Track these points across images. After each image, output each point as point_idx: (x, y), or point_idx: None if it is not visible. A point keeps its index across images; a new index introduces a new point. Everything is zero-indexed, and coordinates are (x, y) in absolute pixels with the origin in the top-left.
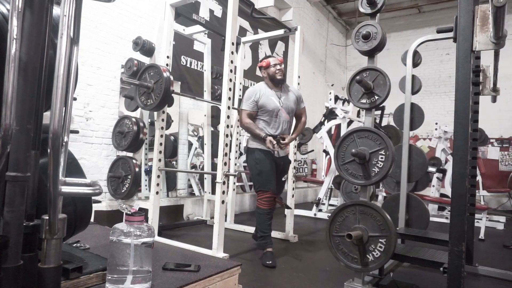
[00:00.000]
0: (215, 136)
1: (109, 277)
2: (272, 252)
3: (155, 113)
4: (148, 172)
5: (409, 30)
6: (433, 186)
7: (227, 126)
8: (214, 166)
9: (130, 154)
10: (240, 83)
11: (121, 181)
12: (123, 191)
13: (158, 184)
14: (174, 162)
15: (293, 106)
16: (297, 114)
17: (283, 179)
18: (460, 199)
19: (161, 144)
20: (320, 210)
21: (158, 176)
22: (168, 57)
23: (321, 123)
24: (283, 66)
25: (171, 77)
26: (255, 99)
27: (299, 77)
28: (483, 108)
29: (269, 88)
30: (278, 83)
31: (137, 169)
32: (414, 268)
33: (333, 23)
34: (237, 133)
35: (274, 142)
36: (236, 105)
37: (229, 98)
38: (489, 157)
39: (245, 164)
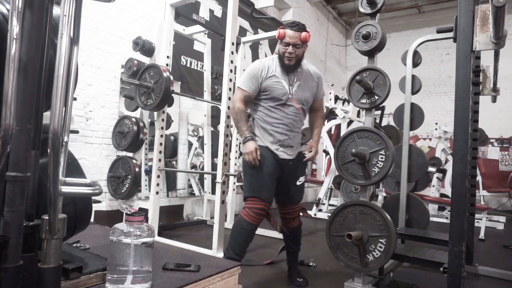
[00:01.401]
0: (215, 136)
1: (109, 277)
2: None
3: (155, 113)
4: (148, 172)
5: (409, 30)
6: (433, 186)
7: (227, 126)
8: (214, 166)
9: (130, 154)
10: None
11: (121, 181)
12: (123, 191)
13: (158, 184)
14: (174, 162)
15: (309, 95)
16: (313, 106)
17: (297, 182)
18: (460, 199)
19: (161, 144)
20: (320, 210)
21: (158, 176)
22: (168, 57)
23: None
24: (300, 49)
25: (171, 77)
26: (259, 78)
27: None
28: (483, 108)
29: (281, 66)
30: (284, 68)
31: (137, 169)
32: (414, 268)
33: (333, 23)
34: (237, 133)
35: (255, 153)
36: None
37: (229, 98)
38: (489, 157)
39: None
